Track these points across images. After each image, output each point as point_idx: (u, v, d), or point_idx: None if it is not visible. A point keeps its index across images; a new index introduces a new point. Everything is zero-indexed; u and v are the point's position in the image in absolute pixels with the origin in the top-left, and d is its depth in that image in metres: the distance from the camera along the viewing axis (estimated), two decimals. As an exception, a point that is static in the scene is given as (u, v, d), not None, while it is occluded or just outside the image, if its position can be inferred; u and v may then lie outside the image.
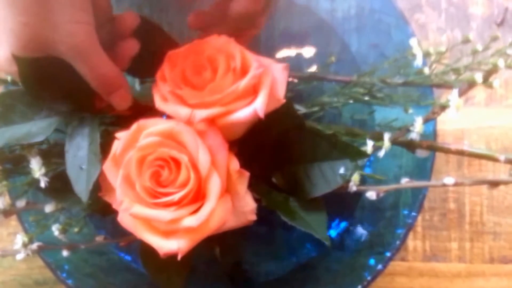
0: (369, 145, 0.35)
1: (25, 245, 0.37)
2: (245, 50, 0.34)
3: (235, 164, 0.32)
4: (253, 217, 0.33)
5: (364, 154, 0.33)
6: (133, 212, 0.31)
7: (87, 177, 0.33)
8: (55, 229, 0.39)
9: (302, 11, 0.48)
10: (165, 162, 0.32)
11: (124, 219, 0.32)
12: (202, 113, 0.32)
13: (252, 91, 0.33)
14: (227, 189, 0.33)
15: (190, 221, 0.31)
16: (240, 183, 0.33)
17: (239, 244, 0.41)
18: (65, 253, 0.39)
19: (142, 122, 0.32)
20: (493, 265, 0.49)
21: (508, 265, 0.49)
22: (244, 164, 0.33)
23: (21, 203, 0.39)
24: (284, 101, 0.33)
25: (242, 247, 0.42)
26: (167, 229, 0.31)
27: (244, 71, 0.33)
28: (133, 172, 0.32)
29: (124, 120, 0.36)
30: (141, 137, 0.32)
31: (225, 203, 0.32)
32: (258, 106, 0.32)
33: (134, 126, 0.32)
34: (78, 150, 0.34)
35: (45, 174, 0.36)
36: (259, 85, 0.33)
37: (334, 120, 0.45)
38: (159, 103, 0.33)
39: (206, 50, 0.34)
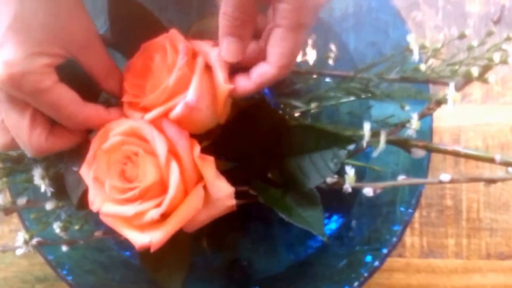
0: (366, 133, 0.35)
1: (26, 243, 0.38)
2: (178, 43, 0.32)
3: (196, 150, 0.32)
4: (231, 202, 0.33)
5: (350, 140, 0.33)
6: (103, 211, 0.32)
7: (78, 180, 0.34)
8: (56, 227, 0.39)
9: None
10: (128, 158, 0.32)
11: (104, 217, 0.33)
12: (147, 116, 0.32)
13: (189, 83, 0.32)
14: (199, 178, 0.33)
15: (152, 213, 0.31)
16: (206, 169, 0.32)
17: (237, 241, 0.42)
18: (64, 248, 0.39)
19: (108, 125, 0.33)
20: (490, 261, 0.50)
21: (505, 261, 0.49)
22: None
23: (21, 201, 0.40)
24: (231, 86, 0.32)
25: (240, 244, 0.43)
26: (138, 223, 0.31)
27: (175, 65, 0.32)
28: (102, 172, 0.32)
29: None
30: (108, 138, 0.33)
31: (195, 193, 0.32)
32: (188, 98, 0.31)
33: (102, 130, 0.33)
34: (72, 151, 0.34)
35: (46, 173, 0.37)
36: (192, 75, 0.32)
37: (332, 117, 0.45)
38: (126, 111, 0.34)
39: (152, 51, 0.34)
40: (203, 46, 0.33)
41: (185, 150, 0.32)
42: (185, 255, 0.37)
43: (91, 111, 0.33)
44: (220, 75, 0.32)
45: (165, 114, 0.32)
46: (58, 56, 0.31)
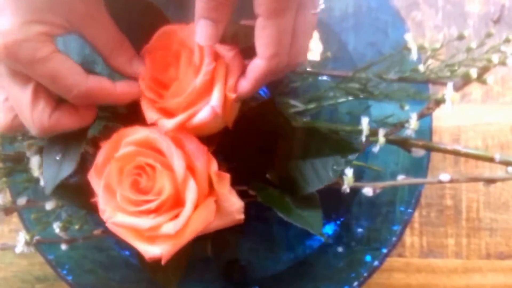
0: (364, 133, 0.35)
1: (27, 244, 0.38)
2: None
3: (214, 166, 0.32)
4: (240, 216, 0.33)
5: (354, 149, 0.33)
6: (115, 221, 0.31)
7: (58, 169, 0.33)
8: (56, 227, 0.39)
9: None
10: (143, 170, 0.32)
11: (112, 226, 0.32)
12: (168, 124, 0.31)
13: (212, 87, 0.32)
14: (211, 191, 0.33)
15: (168, 228, 0.31)
16: (221, 185, 0.32)
17: (236, 241, 0.42)
18: (63, 247, 0.39)
19: (122, 131, 0.32)
20: (490, 261, 0.50)
21: (505, 261, 0.49)
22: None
23: (21, 201, 0.40)
24: (233, 96, 0.32)
25: (239, 244, 0.43)
26: (150, 235, 0.31)
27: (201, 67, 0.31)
28: (113, 181, 0.32)
29: (123, 116, 0.37)
30: (121, 146, 0.32)
31: (207, 207, 0.32)
32: (214, 103, 0.31)
33: (114, 136, 0.32)
34: (58, 139, 0.33)
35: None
36: (214, 80, 0.31)
37: (331, 117, 0.45)
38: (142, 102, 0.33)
39: (173, 44, 0.32)
40: (224, 50, 0.32)
41: (203, 166, 0.32)
42: (183, 256, 0.37)
43: (94, 83, 0.30)
44: (230, 80, 0.32)
45: (185, 121, 0.31)
46: (57, 26, 0.29)
